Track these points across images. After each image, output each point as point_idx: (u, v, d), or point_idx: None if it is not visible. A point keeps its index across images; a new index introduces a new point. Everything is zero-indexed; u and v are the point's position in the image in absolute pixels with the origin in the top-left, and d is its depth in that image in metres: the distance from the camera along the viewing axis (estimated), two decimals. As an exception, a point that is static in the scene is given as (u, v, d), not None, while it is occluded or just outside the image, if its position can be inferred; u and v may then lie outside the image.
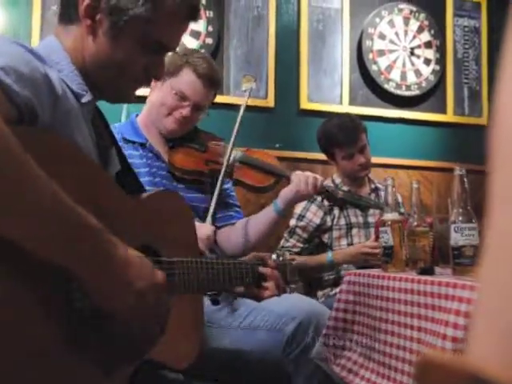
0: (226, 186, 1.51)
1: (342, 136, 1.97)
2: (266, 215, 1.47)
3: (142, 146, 1.44)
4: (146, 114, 1.50)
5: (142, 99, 2.18)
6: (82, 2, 0.81)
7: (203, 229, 1.27)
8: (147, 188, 1.25)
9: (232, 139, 1.43)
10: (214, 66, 1.48)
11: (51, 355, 0.63)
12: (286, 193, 1.45)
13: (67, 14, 0.85)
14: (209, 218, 1.33)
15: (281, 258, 1.27)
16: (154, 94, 1.48)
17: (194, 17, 0.90)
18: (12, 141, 0.56)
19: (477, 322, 0.21)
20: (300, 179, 1.43)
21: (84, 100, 0.81)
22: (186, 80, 1.42)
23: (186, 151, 1.47)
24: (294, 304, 1.37)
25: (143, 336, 0.71)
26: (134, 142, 1.44)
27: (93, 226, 0.63)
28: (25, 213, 0.58)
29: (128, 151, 1.40)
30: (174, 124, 1.44)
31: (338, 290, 1.53)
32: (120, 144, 1.39)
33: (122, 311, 0.67)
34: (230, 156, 1.41)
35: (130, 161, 1.37)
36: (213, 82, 1.45)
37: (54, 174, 0.60)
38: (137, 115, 1.53)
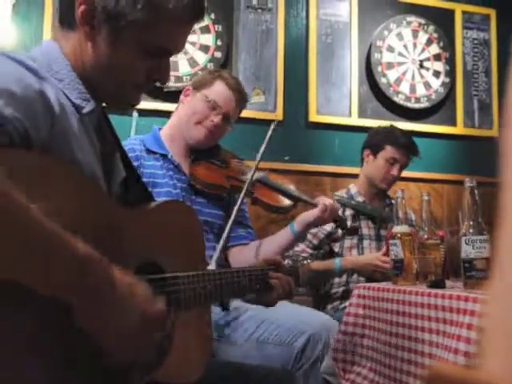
0: (242, 207, 1.51)
1: (405, 141, 2.05)
2: (282, 237, 1.48)
3: (164, 157, 1.47)
4: (172, 126, 1.53)
5: (153, 112, 2.22)
6: (78, 8, 0.79)
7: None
8: (165, 199, 1.26)
9: (258, 159, 1.44)
10: (242, 84, 1.57)
11: (50, 373, 0.62)
12: (306, 217, 1.47)
13: (66, 20, 0.83)
14: (225, 235, 1.31)
15: (292, 262, 1.25)
16: (184, 106, 1.52)
17: (199, 17, 0.87)
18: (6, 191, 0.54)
19: (490, 336, 0.21)
20: (326, 206, 1.45)
21: (85, 111, 0.80)
22: (219, 90, 1.48)
23: (207, 166, 1.49)
24: (303, 318, 1.36)
25: (141, 362, 0.69)
26: (155, 153, 1.46)
27: (89, 256, 0.60)
28: (13, 248, 0.55)
29: (150, 162, 1.43)
30: (203, 133, 1.47)
31: (347, 303, 1.52)
32: (141, 156, 1.43)
33: (113, 341, 0.65)
34: (253, 174, 1.42)
35: (151, 171, 1.41)
36: (242, 96, 1.53)
37: (50, 197, 0.58)
38: (159, 129, 1.56)
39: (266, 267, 1.13)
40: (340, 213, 1.95)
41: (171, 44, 0.85)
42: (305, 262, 1.25)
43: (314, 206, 1.47)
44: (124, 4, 0.78)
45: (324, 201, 1.47)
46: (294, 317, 1.35)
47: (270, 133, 1.47)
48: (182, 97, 1.54)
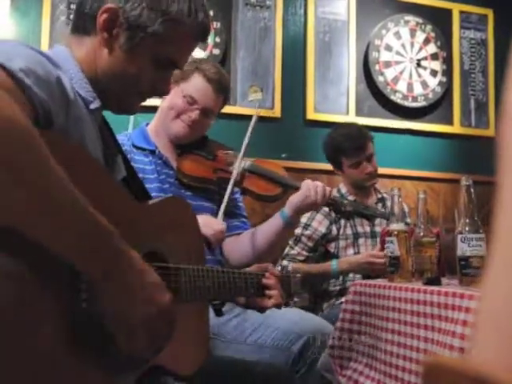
0: (234, 196, 1.50)
1: (349, 144, 1.99)
2: (273, 223, 1.45)
3: (152, 152, 1.45)
4: (157, 121, 1.51)
5: (150, 109, 2.21)
6: (100, 15, 0.83)
7: (213, 221, 1.29)
8: (155, 194, 1.26)
9: (243, 148, 1.43)
10: (223, 73, 1.49)
11: (54, 356, 0.63)
12: (293, 199, 1.42)
13: (82, 26, 0.86)
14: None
15: (284, 271, 1.27)
16: (165, 101, 1.49)
17: (205, 38, 0.94)
18: (40, 142, 0.58)
19: (481, 324, 0.21)
20: (309, 187, 1.41)
21: (92, 106, 0.83)
22: (196, 84, 1.43)
23: (194, 158, 1.47)
24: (300, 321, 1.36)
25: (149, 342, 0.71)
26: (143, 149, 1.44)
27: (112, 230, 0.64)
28: (52, 212, 0.59)
29: (138, 157, 1.41)
30: (181, 128, 1.44)
31: (343, 299, 1.53)
32: (130, 150, 1.41)
33: (130, 317, 0.68)
34: (239, 165, 1.41)
35: (139, 167, 1.38)
36: (222, 87, 1.46)
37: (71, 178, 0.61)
38: (147, 124, 1.54)
39: (259, 272, 1.15)
40: (333, 213, 1.96)
41: (180, 58, 0.90)
42: (296, 275, 1.27)
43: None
44: (146, 18, 0.83)
45: (306, 182, 1.43)
46: (290, 320, 1.34)
47: (252, 125, 1.46)
48: None
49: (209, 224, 1.29)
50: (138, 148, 1.45)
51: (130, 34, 0.83)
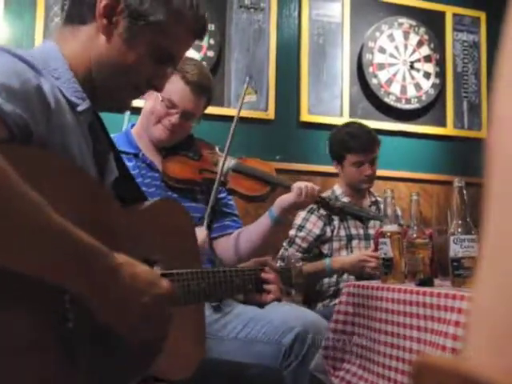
0: (222, 195, 1.49)
1: (358, 142, 2.00)
2: (261, 223, 1.45)
3: (135, 156, 1.43)
4: (139, 124, 1.49)
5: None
6: (100, 1, 0.80)
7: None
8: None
9: (226, 148, 1.41)
10: (204, 73, 1.45)
11: (50, 374, 0.63)
12: (282, 201, 1.43)
13: (79, 14, 0.83)
14: (204, 227, 1.32)
15: (286, 261, 1.25)
16: (146, 104, 1.47)
17: (202, 36, 0.92)
18: (4, 167, 0.55)
19: (472, 325, 0.21)
20: (301, 190, 1.41)
21: (80, 108, 0.80)
22: (174, 87, 1.39)
23: (179, 160, 1.45)
24: (290, 315, 1.36)
25: (145, 350, 0.71)
26: (127, 153, 1.42)
27: (94, 245, 0.62)
28: (23, 241, 0.57)
29: None
30: (162, 132, 1.42)
31: (337, 301, 1.53)
32: None
33: (126, 326, 0.67)
34: (223, 165, 1.40)
35: None
36: (202, 88, 1.42)
37: (49, 192, 0.59)
38: (132, 125, 1.52)
39: (257, 267, 1.13)
40: (326, 214, 1.97)
41: (177, 52, 0.88)
42: (297, 264, 1.25)
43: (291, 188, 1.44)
44: (148, 6, 0.81)
45: (299, 184, 1.43)
46: (281, 314, 1.34)
47: (233, 125, 1.44)
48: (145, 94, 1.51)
49: None
50: (121, 152, 1.44)
51: (130, 21, 0.81)
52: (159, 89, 0.91)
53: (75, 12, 0.84)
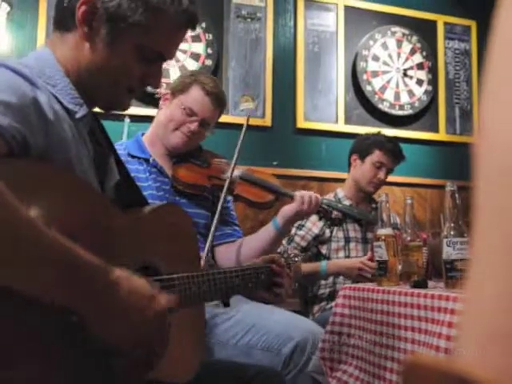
0: (226, 205, 1.52)
1: (392, 147, 2.11)
2: (265, 232, 1.47)
3: (146, 161, 1.47)
4: (153, 131, 1.53)
5: (143, 118, 2.25)
6: (79, 8, 0.79)
7: None
8: (150, 202, 1.28)
9: (235, 156, 1.45)
10: (219, 86, 1.54)
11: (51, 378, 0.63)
12: (286, 211, 1.45)
13: (63, 22, 0.83)
14: (211, 234, 1.33)
15: (285, 255, 1.26)
16: (162, 112, 1.51)
17: (193, 25, 0.88)
18: (2, 189, 0.54)
19: (463, 324, 0.21)
20: (303, 200, 1.44)
21: (78, 115, 0.80)
22: (195, 96, 1.46)
23: (189, 166, 1.49)
24: (291, 324, 1.37)
25: (144, 361, 0.71)
26: (138, 158, 1.47)
27: (91, 263, 0.61)
28: (20, 262, 0.56)
29: (133, 166, 1.43)
30: (180, 139, 1.47)
31: (333, 303, 1.56)
32: (126, 159, 1.42)
33: (124, 341, 0.67)
34: (232, 172, 1.43)
35: (134, 175, 1.38)
36: (220, 100, 1.50)
37: (48, 203, 0.59)
38: (142, 134, 1.56)
39: (265, 265, 1.13)
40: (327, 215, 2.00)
41: (166, 49, 0.86)
42: (296, 259, 1.27)
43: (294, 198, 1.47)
44: (126, 7, 0.79)
45: (301, 193, 1.46)
46: (281, 323, 1.35)
47: (242, 133, 1.47)
48: (161, 102, 1.53)
49: None
50: (133, 157, 1.47)
51: (110, 25, 0.80)
52: (155, 86, 0.90)
53: (60, 20, 0.84)
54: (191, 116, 1.46)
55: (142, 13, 0.80)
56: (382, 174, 2.09)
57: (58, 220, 0.60)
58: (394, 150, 2.11)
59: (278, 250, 1.24)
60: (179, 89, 1.47)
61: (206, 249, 1.27)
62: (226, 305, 1.13)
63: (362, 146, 2.14)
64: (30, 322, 0.62)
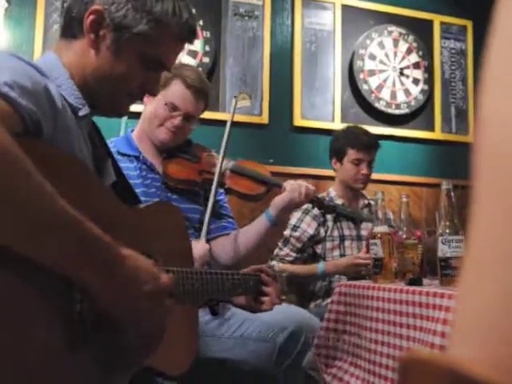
0: (219, 198, 1.53)
1: (361, 140, 2.09)
2: (258, 224, 1.48)
3: (136, 158, 1.47)
4: (140, 127, 1.53)
5: (139, 115, 2.24)
6: (87, 18, 0.85)
7: (198, 247, 1.28)
8: (142, 199, 1.29)
9: (222, 149, 1.45)
10: (202, 78, 1.51)
11: (51, 359, 0.64)
12: (278, 201, 1.46)
13: (70, 29, 0.87)
14: (204, 229, 1.35)
15: (271, 270, 1.29)
16: (147, 108, 1.51)
17: (191, 39, 0.95)
18: (20, 155, 0.57)
19: (457, 320, 0.21)
20: (293, 188, 1.44)
21: (81, 113, 0.84)
22: (176, 91, 1.45)
23: (179, 162, 1.49)
24: (284, 314, 1.38)
25: (144, 341, 0.73)
26: (128, 155, 1.46)
27: (100, 236, 0.64)
28: (35, 227, 0.59)
29: (123, 164, 1.42)
30: (165, 134, 1.47)
31: (329, 300, 1.57)
32: (116, 157, 1.43)
33: (128, 315, 0.69)
34: (221, 165, 1.44)
35: (125, 173, 1.40)
36: (202, 92, 1.48)
37: (55, 186, 0.61)
38: (132, 130, 1.56)
39: (255, 273, 1.16)
40: (320, 213, 2.02)
41: (167, 59, 0.92)
42: (283, 274, 1.30)
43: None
44: (131, 18, 0.85)
45: (290, 183, 1.46)
46: (275, 313, 1.35)
47: (227, 128, 1.49)
48: (145, 99, 1.51)
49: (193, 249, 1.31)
50: (123, 154, 1.47)
51: (115, 34, 0.85)
52: (153, 93, 0.96)
53: (67, 27, 0.89)
54: (174, 111, 1.46)
55: (146, 23, 0.86)
56: (363, 169, 2.08)
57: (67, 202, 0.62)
58: (366, 144, 2.09)
59: (274, 254, 1.27)
60: (161, 84, 1.46)
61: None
62: (214, 314, 1.15)
63: (336, 149, 2.14)
64: (30, 297, 0.63)
